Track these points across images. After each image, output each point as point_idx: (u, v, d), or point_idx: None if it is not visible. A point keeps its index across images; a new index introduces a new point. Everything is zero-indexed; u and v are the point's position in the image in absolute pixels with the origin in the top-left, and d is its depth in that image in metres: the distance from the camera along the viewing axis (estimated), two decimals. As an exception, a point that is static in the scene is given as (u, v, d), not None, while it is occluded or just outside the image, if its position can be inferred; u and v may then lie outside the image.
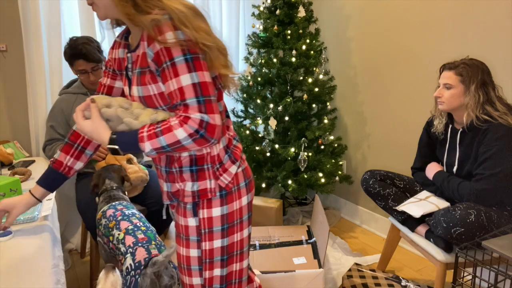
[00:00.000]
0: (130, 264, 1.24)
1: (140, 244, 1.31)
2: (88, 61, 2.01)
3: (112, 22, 1.22)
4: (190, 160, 1.10)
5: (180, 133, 0.97)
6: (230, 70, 1.10)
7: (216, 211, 1.12)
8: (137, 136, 1.01)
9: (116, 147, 1.02)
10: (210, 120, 0.98)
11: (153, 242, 1.33)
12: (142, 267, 1.21)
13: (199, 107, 0.97)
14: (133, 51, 1.11)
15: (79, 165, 1.26)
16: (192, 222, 1.14)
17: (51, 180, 1.26)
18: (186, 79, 0.97)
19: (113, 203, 1.61)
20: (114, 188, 1.73)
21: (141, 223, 1.45)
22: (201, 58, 1.00)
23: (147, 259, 1.23)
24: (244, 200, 1.16)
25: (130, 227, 1.42)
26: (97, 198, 1.74)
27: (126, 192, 1.81)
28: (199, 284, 1.18)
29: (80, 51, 1.98)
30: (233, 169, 1.13)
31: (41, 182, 1.27)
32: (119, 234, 1.41)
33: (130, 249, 1.30)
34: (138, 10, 0.99)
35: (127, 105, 1.07)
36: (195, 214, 1.13)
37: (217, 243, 1.14)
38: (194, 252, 1.15)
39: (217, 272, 1.16)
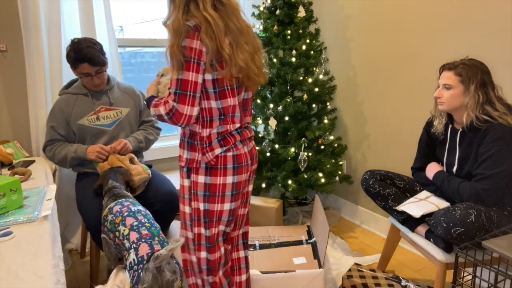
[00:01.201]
0: (134, 259, 1.27)
1: (143, 240, 1.34)
2: (93, 65, 2.01)
3: None
4: (188, 134, 1.40)
5: (161, 110, 1.30)
6: (229, 78, 1.34)
7: (201, 179, 1.39)
8: (150, 102, 1.37)
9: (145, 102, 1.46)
10: (179, 109, 1.27)
11: (156, 238, 1.36)
12: (145, 262, 1.23)
13: (174, 97, 1.27)
14: None
15: None
16: (186, 182, 1.43)
17: None
18: (175, 74, 1.27)
19: (120, 200, 1.65)
20: (117, 187, 1.74)
21: (146, 220, 1.48)
22: (194, 62, 1.26)
23: (149, 254, 1.26)
24: (229, 179, 1.40)
25: (135, 223, 1.44)
26: (103, 201, 1.75)
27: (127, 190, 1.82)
28: (191, 238, 1.46)
29: (85, 55, 1.97)
30: (218, 151, 1.37)
31: None
32: (124, 230, 1.43)
33: (134, 245, 1.33)
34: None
35: (166, 83, 1.44)
36: (188, 177, 1.41)
37: (200, 205, 1.40)
38: (187, 209, 1.45)
39: (202, 230, 1.43)
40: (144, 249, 1.29)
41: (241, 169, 1.41)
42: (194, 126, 1.38)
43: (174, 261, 1.29)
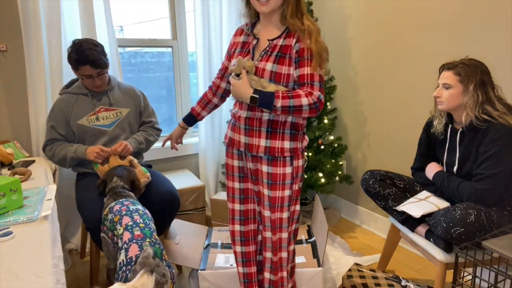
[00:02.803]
0: (123, 260, 1.27)
1: (134, 241, 1.33)
2: (95, 67, 2.01)
3: (253, 16, 1.62)
4: (291, 125, 1.55)
5: (305, 101, 1.41)
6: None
7: (301, 162, 1.61)
8: (274, 94, 1.44)
9: (257, 96, 1.45)
10: (322, 99, 1.44)
11: (147, 240, 1.34)
12: (133, 264, 1.23)
13: (320, 88, 1.45)
14: (272, 40, 1.52)
15: (204, 113, 1.85)
16: (289, 170, 1.57)
17: (189, 119, 1.86)
18: (318, 69, 1.45)
19: (120, 200, 1.65)
20: (120, 187, 1.76)
21: (141, 220, 1.47)
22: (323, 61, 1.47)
23: (138, 255, 1.25)
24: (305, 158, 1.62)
25: (130, 223, 1.44)
26: (105, 199, 1.75)
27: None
28: (286, 217, 1.61)
29: (87, 58, 1.97)
30: (307, 137, 1.66)
31: (184, 119, 1.87)
32: (119, 229, 1.44)
33: (125, 245, 1.32)
34: (296, 15, 1.48)
35: (257, 79, 1.49)
36: (292, 164, 1.57)
37: (299, 185, 1.63)
38: (287, 192, 1.58)
39: (297, 207, 1.65)
40: (133, 251, 1.28)
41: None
42: (298, 118, 1.55)
43: (165, 264, 1.27)
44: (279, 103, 1.42)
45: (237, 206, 1.71)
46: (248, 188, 1.70)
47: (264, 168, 1.57)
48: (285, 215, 1.60)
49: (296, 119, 1.55)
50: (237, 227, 1.73)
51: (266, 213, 1.62)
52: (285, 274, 1.66)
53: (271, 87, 1.48)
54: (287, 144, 1.54)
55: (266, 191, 1.59)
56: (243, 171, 1.68)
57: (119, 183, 1.79)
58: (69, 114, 2.09)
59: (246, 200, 1.71)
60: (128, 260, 1.25)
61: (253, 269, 1.77)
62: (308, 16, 1.50)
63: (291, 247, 1.67)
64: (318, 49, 1.44)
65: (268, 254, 1.67)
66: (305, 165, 1.68)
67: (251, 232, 1.74)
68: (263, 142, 1.55)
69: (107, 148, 2.04)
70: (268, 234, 1.64)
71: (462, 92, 1.72)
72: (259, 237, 1.77)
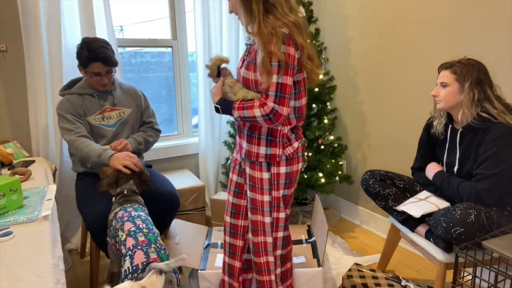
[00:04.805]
0: (128, 267, 1.23)
1: (139, 247, 1.30)
2: (106, 65, 2.02)
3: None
4: (267, 132, 1.52)
5: (257, 112, 1.41)
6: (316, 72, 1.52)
7: (282, 169, 1.55)
8: (232, 104, 1.47)
9: (219, 106, 1.51)
10: (279, 109, 1.39)
11: (152, 245, 1.32)
12: (139, 271, 1.20)
13: (276, 99, 1.39)
14: (252, 45, 1.50)
15: None
16: (266, 175, 1.55)
17: None
18: (274, 78, 1.37)
19: (125, 205, 1.64)
20: (130, 190, 1.75)
21: (144, 225, 1.45)
22: (291, 67, 1.39)
23: (144, 263, 1.22)
24: (300, 165, 1.60)
25: (133, 228, 1.42)
26: (113, 198, 1.75)
27: (139, 194, 1.81)
28: (269, 222, 1.60)
29: (99, 55, 1.98)
30: (295, 144, 1.57)
31: None
32: (122, 236, 1.41)
33: (130, 252, 1.29)
34: (250, 23, 1.44)
35: (232, 85, 1.52)
36: (269, 170, 1.55)
37: (280, 192, 1.58)
38: (267, 198, 1.57)
39: (280, 214, 1.61)
40: (139, 258, 1.25)
41: (304, 155, 1.64)
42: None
43: (171, 271, 1.25)
44: (236, 114, 1.46)
45: (231, 198, 1.77)
46: (241, 205, 1.73)
47: (247, 170, 1.60)
48: (267, 219, 1.60)
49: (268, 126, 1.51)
50: (228, 219, 1.76)
51: (249, 215, 1.65)
52: (273, 277, 1.67)
53: (240, 93, 1.49)
54: (262, 150, 1.53)
55: (248, 193, 1.62)
56: (239, 187, 1.72)
57: (132, 186, 1.77)
58: (81, 111, 2.07)
59: (237, 216, 1.74)
60: (134, 268, 1.22)
61: (237, 264, 1.77)
62: (264, 19, 1.39)
63: (278, 252, 1.67)
64: (271, 57, 1.35)
65: (252, 256, 1.70)
66: (298, 171, 1.60)
67: (240, 227, 1.75)
68: (244, 145, 1.58)
69: (136, 157, 1.90)
70: (250, 236, 1.67)
71: (458, 90, 1.72)
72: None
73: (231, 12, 1.52)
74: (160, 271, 1.12)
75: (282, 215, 1.62)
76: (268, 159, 1.54)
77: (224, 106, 1.50)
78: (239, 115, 1.45)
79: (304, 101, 1.55)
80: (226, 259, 1.80)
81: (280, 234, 1.64)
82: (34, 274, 1.03)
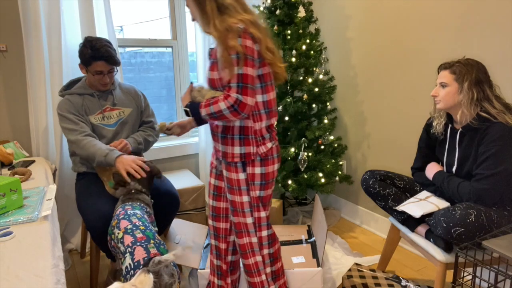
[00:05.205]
0: (130, 264, 1.24)
1: (138, 243, 1.31)
2: (109, 64, 2.03)
3: None
4: (239, 130, 1.54)
5: (222, 105, 1.42)
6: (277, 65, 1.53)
7: (257, 170, 1.57)
8: (199, 104, 1.49)
9: (188, 109, 1.53)
10: (243, 99, 1.40)
11: (151, 241, 1.33)
12: (142, 267, 1.21)
13: (238, 89, 1.40)
14: (213, 48, 1.53)
15: None
16: (242, 176, 1.57)
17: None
18: (235, 70, 1.40)
19: (126, 203, 1.65)
20: (137, 190, 1.75)
21: (140, 223, 1.46)
22: (250, 59, 1.41)
23: (146, 258, 1.24)
24: (276, 166, 1.62)
25: (129, 226, 1.42)
26: (120, 198, 1.77)
27: (149, 195, 1.82)
28: (250, 223, 1.62)
29: (103, 54, 1.99)
30: (269, 144, 1.58)
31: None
32: (118, 233, 1.42)
33: (129, 249, 1.30)
34: (207, 25, 1.48)
35: (200, 89, 1.55)
36: (244, 170, 1.57)
37: (257, 193, 1.59)
38: (246, 198, 1.59)
39: (261, 214, 1.62)
40: (140, 254, 1.26)
41: (279, 156, 1.65)
42: (246, 122, 1.53)
43: (172, 264, 1.27)
44: (203, 112, 1.47)
45: (211, 202, 1.79)
46: (221, 207, 1.75)
47: (224, 173, 1.62)
48: (249, 220, 1.61)
49: (245, 123, 1.53)
50: (210, 222, 1.79)
51: (231, 218, 1.66)
52: (263, 277, 1.68)
53: (208, 94, 1.52)
54: (237, 150, 1.55)
55: (228, 196, 1.63)
56: (217, 189, 1.75)
57: (137, 186, 1.78)
58: (82, 110, 2.08)
59: (218, 218, 1.77)
60: (136, 263, 1.24)
61: (224, 266, 1.80)
62: (219, 19, 1.44)
63: (265, 251, 1.67)
64: (229, 50, 1.39)
65: (241, 260, 1.70)
66: (274, 172, 1.61)
67: (222, 230, 1.77)
68: (220, 147, 1.60)
69: (140, 161, 1.89)
70: (235, 239, 1.68)
71: (457, 90, 1.72)
72: (231, 238, 1.79)
73: (193, 20, 1.56)
74: (148, 271, 1.13)
75: (263, 214, 1.63)
76: (243, 158, 1.55)
77: (192, 108, 1.52)
78: (206, 113, 1.46)
79: (272, 95, 1.57)
80: (214, 261, 1.81)
81: (264, 233, 1.65)
82: (34, 274, 1.03)
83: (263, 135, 1.56)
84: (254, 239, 1.64)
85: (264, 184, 1.59)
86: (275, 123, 1.63)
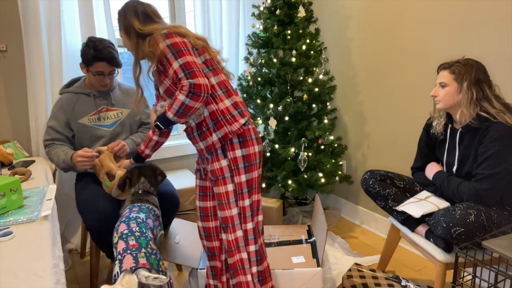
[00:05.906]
0: (117, 272, 1.22)
1: (129, 252, 1.27)
2: (111, 65, 2.04)
3: None
4: (209, 119, 1.58)
5: (181, 97, 1.45)
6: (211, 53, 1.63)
7: (238, 153, 1.58)
8: (164, 112, 1.54)
9: (158, 123, 1.58)
10: (195, 81, 1.44)
11: (143, 250, 1.28)
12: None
13: (187, 77, 1.45)
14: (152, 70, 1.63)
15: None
16: (224, 163, 1.59)
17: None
18: (176, 64, 1.47)
19: (135, 204, 1.64)
20: (144, 191, 1.75)
21: (137, 228, 1.42)
22: (184, 49, 1.49)
23: (133, 268, 1.19)
24: (257, 148, 1.63)
25: (125, 231, 1.39)
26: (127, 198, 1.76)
27: (155, 194, 1.82)
28: (236, 213, 1.61)
29: (105, 55, 2.00)
30: (241, 121, 1.59)
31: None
32: (115, 237, 1.41)
33: (119, 256, 1.27)
34: (137, 44, 1.64)
35: (161, 105, 1.64)
36: (225, 156, 1.59)
37: (242, 178, 1.59)
38: (230, 187, 1.60)
39: (246, 202, 1.61)
40: (128, 263, 1.22)
41: (259, 138, 1.66)
42: (210, 107, 1.57)
43: (162, 273, 1.23)
44: (170, 114, 1.51)
45: (198, 203, 1.81)
46: (208, 207, 1.77)
47: (208, 167, 1.64)
48: (234, 211, 1.60)
49: (210, 109, 1.57)
50: (200, 223, 1.81)
51: (218, 213, 1.65)
52: (249, 277, 1.62)
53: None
54: (215, 137, 1.58)
55: (214, 190, 1.64)
56: (203, 190, 1.77)
57: (146, 185, 1.77)
58: (70, 112, 2.09)
59: (207, 218, 1.78)
60: (122, 273, 1.19)
61: (218, 264, 1.79)
62: (145, 43, 1.55)
63: (252, 248, 1.62)
64: (160, 55, 1.49)
65: (227, 259, 1.67)
66: (255, 154, 1.62)
67: (212, 228, 1.78)
68: (202, 145, 1.63)
69: (90, 150, 1.99)
70: (223, 236, 1.66)
71: (457, 90, 1.72)
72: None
73: (128, 50, 1.67)
74: (131, 271, 1.12)
75: (247, 202, 1.61)
76: (222, 141, 1.57)
77: (160, 119, 1.57)
78: (173, 114, 1.50)
79: (223, 76, 1.63)
80: (207, 262, 1.81)
81: (251, 225, 1.62)
82: (34, 274, 1.03)
83: (232, 113, 1.58)
84: (240, 233, 1.61)
85: (248, 166, 1.60)
86: (240, 100, 1.65)
